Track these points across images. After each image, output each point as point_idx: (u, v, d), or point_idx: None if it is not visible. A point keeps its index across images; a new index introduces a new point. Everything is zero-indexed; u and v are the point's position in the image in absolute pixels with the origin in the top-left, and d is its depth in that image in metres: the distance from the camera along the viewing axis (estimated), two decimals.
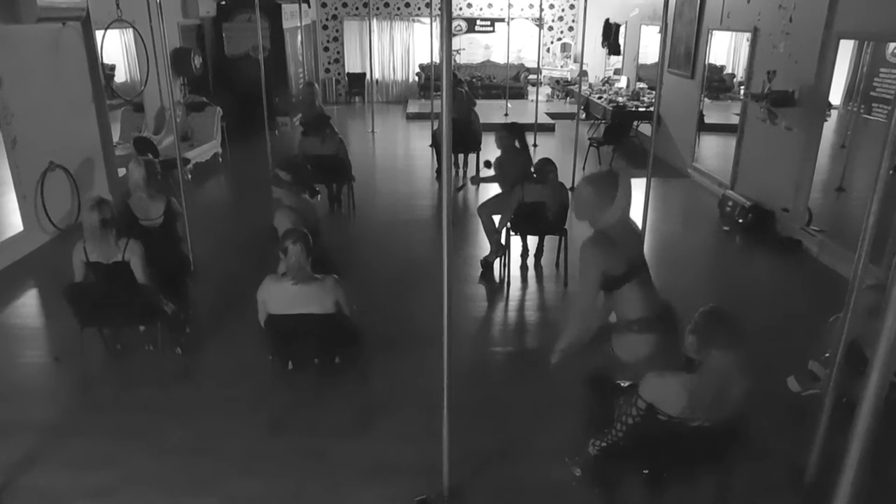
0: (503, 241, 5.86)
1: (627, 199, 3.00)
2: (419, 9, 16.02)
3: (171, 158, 6.41)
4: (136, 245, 4.05)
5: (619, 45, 13.71)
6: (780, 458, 3.51)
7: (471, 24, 16.36)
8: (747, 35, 7.86)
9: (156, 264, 4.21)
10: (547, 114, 13.54)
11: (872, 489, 2.82)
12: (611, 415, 3.03)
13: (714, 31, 8.90)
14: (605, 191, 2.98)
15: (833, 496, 1.48)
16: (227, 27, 12.21)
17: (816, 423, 3.22)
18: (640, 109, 11.18)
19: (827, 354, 3.90)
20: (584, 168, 9.74)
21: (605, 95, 12.44)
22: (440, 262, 2.81)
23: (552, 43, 16.63)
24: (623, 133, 10.53)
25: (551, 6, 16.24)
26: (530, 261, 6.34)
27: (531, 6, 15.89)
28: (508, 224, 5.73)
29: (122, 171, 7.86)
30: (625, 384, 3.30)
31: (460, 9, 16.14)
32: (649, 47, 12.31)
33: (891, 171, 2.79)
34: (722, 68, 10.12)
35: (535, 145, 11.03)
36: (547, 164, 5.70)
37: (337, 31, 16.24)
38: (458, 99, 8.73)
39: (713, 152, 9.56)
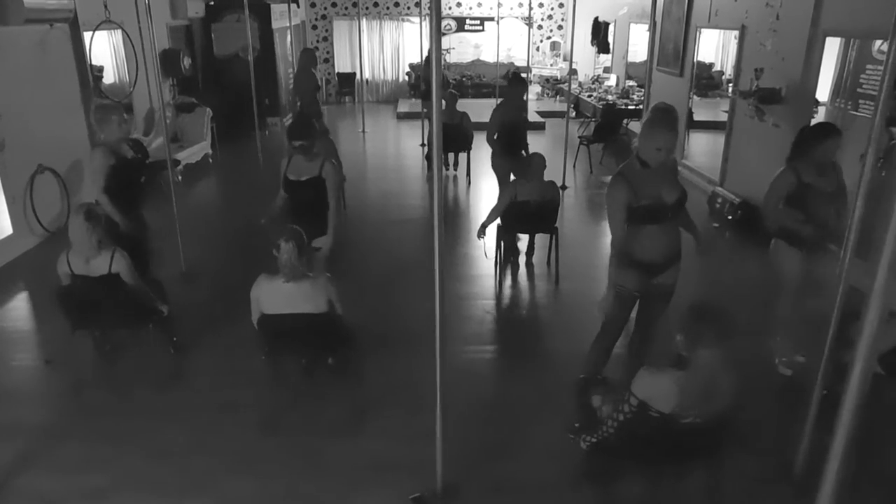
0: (496, 239, 5.88)
1: (664, 141, 3.24)
2: (409, 8, 16.01)
3: (161, 160, 6.39)
4: (122, 258, 3.98)
5: (608, 44, 13.76)
6: (770, 451, 3.54)
7: (460, 23, 16.37)
8: (735, 33, 7.91)
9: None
10: (537, 112, 13.56)
11: (859, 480, 2.86)
12: (591, 410, 3.12)
13: (702, 29, 8.95)
14: (651, 123, 3.30)
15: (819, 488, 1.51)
16: (216, 28, 12.17)
17: (805, 416, 3.25)
18: (630, 107, 11.23)
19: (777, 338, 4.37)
20: (574, 166, 9.77)
21: (594, 94, 12.50)
22: (432, 261, 2.83)
23: (542, 41, 16.66)
24: (613, 131, 10.57)
25: (540, 5, 16.28)
26: (521, 259, 6.36)
27: (520, 5, 15.92)
28: (499, 221, 5.74)
29: None
30: (599, 377, 3.37)
31: (450, 8, 16.14)
32: (638, 45, 12.37)
33: (879, 165, 2.83)
34: (710, 66, 10.18)
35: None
36: (535, 157, 5.70)
37: (326, 30, 16.22)
38: (448, 103, 8.74)
39: (702, 149, 9.62)
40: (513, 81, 6.95)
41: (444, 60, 15.16)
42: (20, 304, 5.68)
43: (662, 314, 3.74)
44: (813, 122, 6.48)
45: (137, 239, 4.72)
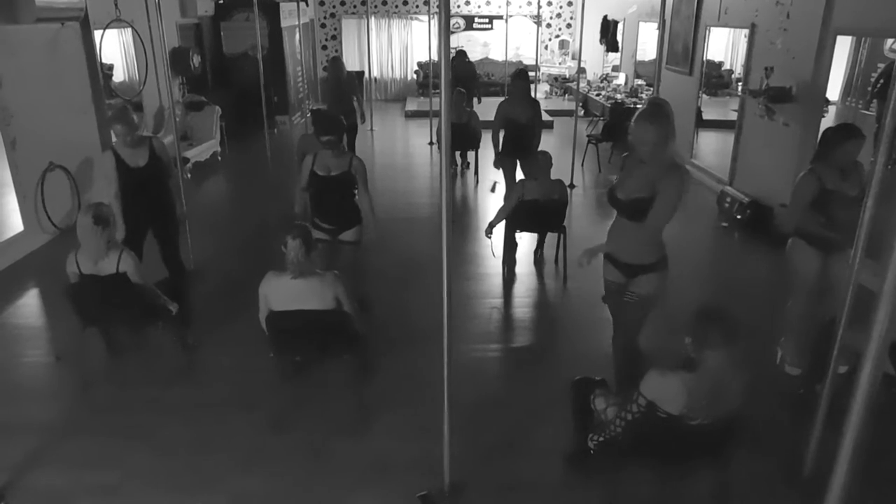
0: (504, 237, 5.88)
1: (641, 134, 3.21)
2: (417, 6, 16.01)
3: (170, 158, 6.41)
4: (129, 258, 4.01)
5: (617, 42, 13.71)
6: (778, 452, 3.53)
7: (469, 21, 16.35)
8: (745, 31, 7.86)
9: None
10: (545, 111, 13.50)
11: (867, 482, 2.85)
12: (589, 413, 3.12)
13: (712, 28, 8.91)
14: (640, 117, 3.28)
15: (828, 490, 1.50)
16: (225, 26, 12.21)
17: (814, 418, 3.24)
18: (639, 106, 11.19)
19: (783, 338, 4.39)
20: (582, 165, 9.75)
21: (603, 92, 12.47)
22: (440, 259, 2.83)
23: (550, 40, 16.62)
24: (621, 130, 10.48)
25: (549, 3, 16.24)
26: (529, 257, 6.35)
27: (529, 3, 15.88)
28: (506, 221, 5.73)
29: None
30: (598, 378, 3.36)
31: (458, 6, 16.12)
32: (647, 44, 12.32)
33: (889, 166, 2.81)
34: (720, 64, 10.13)
35: None
36: (542, 156, 5.69)
37: (335, 29, 16.24)
38: (457, 101, 8.72)
39: (711, 148, 9.58)
40: (516, 77, 6.88)
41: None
42: (31, 301, 5.72)
43: (637, 326, 3.60)
44: (823, 120, 6.46)
45: (164, 238, 4.92)
